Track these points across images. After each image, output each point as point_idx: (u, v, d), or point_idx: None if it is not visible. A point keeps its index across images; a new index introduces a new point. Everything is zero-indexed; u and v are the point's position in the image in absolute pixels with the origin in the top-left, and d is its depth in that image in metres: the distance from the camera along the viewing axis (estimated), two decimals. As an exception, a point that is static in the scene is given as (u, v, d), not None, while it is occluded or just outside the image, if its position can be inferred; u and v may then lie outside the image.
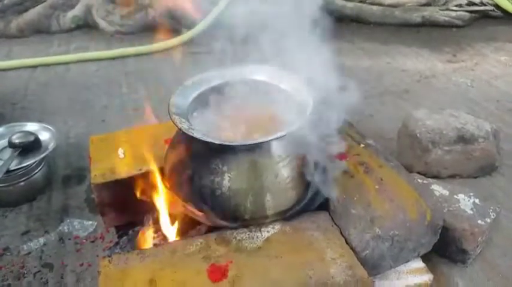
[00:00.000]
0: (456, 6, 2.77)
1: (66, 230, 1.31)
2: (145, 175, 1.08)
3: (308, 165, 0.96)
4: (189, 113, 0.96)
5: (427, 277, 1.06)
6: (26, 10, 2.69)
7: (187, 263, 0.87)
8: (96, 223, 1.33)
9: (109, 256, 0.91)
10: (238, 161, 0.90)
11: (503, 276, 1.17)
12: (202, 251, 0.90)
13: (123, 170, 1.10)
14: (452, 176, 1.51)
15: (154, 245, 1.01)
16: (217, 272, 0.85)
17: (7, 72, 2.29)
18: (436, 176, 1.47)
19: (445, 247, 1.17)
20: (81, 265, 1.20)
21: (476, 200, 1.24)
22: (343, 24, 2.78)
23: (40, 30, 2.69)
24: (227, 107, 1.03)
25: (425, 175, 1.43)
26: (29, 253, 1.25)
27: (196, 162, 0.93)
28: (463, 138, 1.47)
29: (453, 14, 2.74)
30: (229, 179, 0.90)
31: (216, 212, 0.93)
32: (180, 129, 0.89)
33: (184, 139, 0.96)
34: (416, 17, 2.75)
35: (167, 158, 1.02)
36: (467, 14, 2.76)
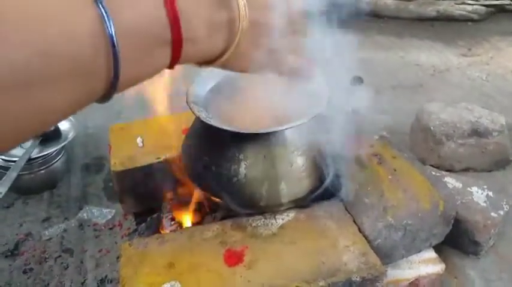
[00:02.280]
0: (472, 0, 2.75)
1: (86, 217, 1.35)
2: (164, 163, 1.11)
3: (323, 155, 0.98)
4: (206, 102, 0.98)
5: (439, 267, 1.07)
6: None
7: (204, 248, 0.90)
8: (114, 211, 1.36)
9: (129, 241, 0.94)
10: (254, 149, 0.92)
11: (516, 268, 1.18)
12: (218, 236, 0.93)
13: (142, 159, 1.14)
14: (466, 170, 1.52)
15: (172, 231, 1.04)
16: (234, 257, 0.87)
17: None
18: (449, 170, 1.48)
19: (457, 239, 1.18)
20: (100, 251, 1.24)
21: (490, 193, 1.25)
22: (357, 17, 2.77)
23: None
24: (244, 97, 1.04)
25: (438, 168, 1.44)
26: (50, 238, 1.29)
27: (214, 150, 0.95)
28: (477, 132, 1.47)
29: (469, 8, 2.73)
30: (245, 167, 0.92)
31: (232, 199, 0.96)
32: (197, 117, 0.91)
33: (202, 128, 0.98)
34: (431, 11, 2.74)
35: (185, 146, 1.05)
36: (483, 8, 2.74)
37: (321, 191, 1.02)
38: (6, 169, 1.34)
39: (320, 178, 0.99)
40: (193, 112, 0.91)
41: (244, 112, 1.01)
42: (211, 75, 1.04)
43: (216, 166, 0.94)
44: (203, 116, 0.90)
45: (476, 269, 1.18)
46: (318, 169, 0.97)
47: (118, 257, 1.18)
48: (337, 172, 1.04)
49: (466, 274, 1.16)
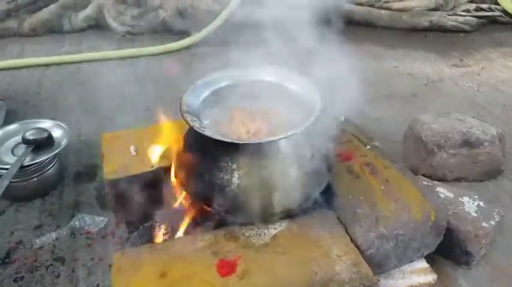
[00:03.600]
0: (464, 11, 2.78)
1: (78, 226, 1.34)
2: (157, 172, 1.11)
3: (316, 165, 0.98)
4: (199, 111, 0.99)
5: (431, 277, 1.08)
6: (38, 9, 2.73)
7: (197, 258, 0.90)
8: (106, 219, 1.35)
9: (121, 249, 0.94)
10: (247, 159, 0.93)
11: (508, 278, 1.18)
12: (211, 246, 0.93)
13: (135, 167, 1.13)
14: (458, 180, 1.52)
15: (165, 240, 1.04)
16: (226, 267, 0.87)
17: (20, 70, 2.33)
18: (442, 179, 1.48)
19: (449, 249, 1.18)
20: (92, 259, 1.23)
21: (481, 203, 1.26)
22: (351, 27, 2.80)
23: (52, 30, 2.73)
24: (237, 106, 1.05)
25: (430, 177, 1.45)
26: (42, 247, 1.27)
27: (206, 160, 0.95)
28: (469, 142, 1.48)
29: (461, 19, 2.75)
30: (238, 176, 0.92)
31: (225, 209, 0.96)
32: (191, 127, 0.91)
33: (195, 137, 0.98)
34: (424, 21, 2.76)
35: (178, 155, 1.05)
36: (474, 19, 2.77)
37: (314, 201, 1.02)
38: (-1, 176, 1.34)
39: (313, 188, 0.99)
40: (187, 122, 0.91)
41: (238, 122, 1.01)
42: (205, 85, 1.05)
43: (209, 175, 0.94)
44: (197, 126, 0.91)
45: (468, 279, 1.18)
46: (310, 179, 0.98)
47: (110, 266, 1.17)
48: (329, 181, 1.05)
49: (458, 284, 1.17)
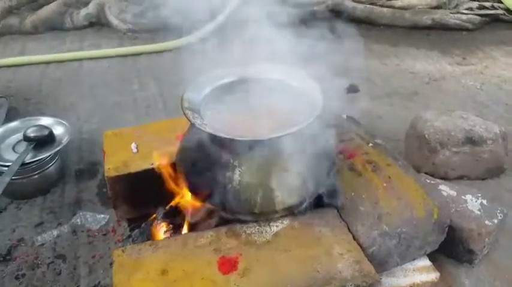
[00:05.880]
0: (467, 9, 2.77)
1: (79, 223, 1.34)
2: (158, 169, 1.10)
3: (318, 162, 0.98)
4: (201, 108, 0.98)
5: (434, 276, 1.07)
6: (40, 7, 2.73)
7: (198, 255, 0.90)
8: (108, 217, 1.35)
9: (122, 247, 0.93)
10: (249, 156, 0.92)
11: (510, 277, 1.18)
12: (212, 243, 0.92)
13: (136, 164, 1.13)
14: (460, 178, 1.52)
15: (166, 237, 1.04)
16: (228, 264, 0.87)
17: (21, 68, 2.33)
18: (444, 177, 1.48)
19: (451, 247, 1.18)
20: (94, 257, 1.23)
21: (484, 201, 1.25)
22: (353, 25, 2.79)
23: (54, 27, 2.73)
24: (238, 103, 1.05)
25: (432, 175, 1.44)
26: (43, 244, 1.27)
27: (208, 157, 0.95)
28: (472, 140, 1.48)
29: (463, 17, 2.74)
30: (240, 173, 0.92)
31: (226, 206, 0.95)
32: (192, 124, 0.91)
33: (197, 134, 0.98)
34: (426, 19, 2.75)
35: (179, 152, 1.04)
36: (477, 17, 2.76)
37: (316, 199, 1.02)
38: (0, 173, 1.33)
39: (315, 186, 0.99)
40: (188, 119, 0.91)
41: (240, 119, 1.01)
42: (207, 82, 1.04)
43: (210, 172, 0.94)
44: (198, 122, 0.90)
45: (471, 277, 1.18)
46: (312, 176, 0.97)
47: (111, 264, 1.16)
48: (331, 179, 1.04)
49: (461, 283, 1.16)
